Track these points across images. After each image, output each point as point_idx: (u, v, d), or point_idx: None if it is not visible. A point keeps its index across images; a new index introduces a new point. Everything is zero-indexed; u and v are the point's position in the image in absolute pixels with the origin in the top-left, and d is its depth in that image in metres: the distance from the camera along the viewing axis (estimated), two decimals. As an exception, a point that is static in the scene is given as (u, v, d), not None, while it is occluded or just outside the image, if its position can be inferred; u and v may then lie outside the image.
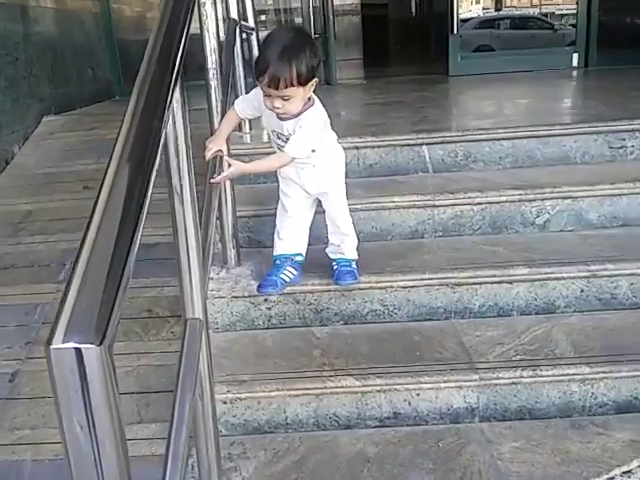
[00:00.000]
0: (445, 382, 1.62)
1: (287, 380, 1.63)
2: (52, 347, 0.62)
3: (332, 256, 1.88)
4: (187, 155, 1.23)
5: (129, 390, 1.88)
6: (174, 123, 1.20)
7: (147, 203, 0.84)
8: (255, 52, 3.26)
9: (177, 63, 1.15)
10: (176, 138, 1.20)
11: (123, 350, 2.05)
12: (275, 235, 1.89)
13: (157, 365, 1.96)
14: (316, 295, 1.88)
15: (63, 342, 0.61)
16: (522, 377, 1.63)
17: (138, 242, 0.77)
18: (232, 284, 1.89)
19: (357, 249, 1.89)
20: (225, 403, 1.63)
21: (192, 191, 1.26)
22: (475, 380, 1.62)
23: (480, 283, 1.89)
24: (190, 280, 1.29)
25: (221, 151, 1.76)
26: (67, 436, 0.65)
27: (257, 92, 1.70)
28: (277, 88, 1.56)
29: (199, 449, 1.37)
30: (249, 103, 1.76)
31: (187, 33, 1.24)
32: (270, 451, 1.58)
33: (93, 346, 0.62)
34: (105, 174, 0.86)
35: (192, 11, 1.31)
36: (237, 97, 2.58)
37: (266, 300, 1.88)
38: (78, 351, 0.62)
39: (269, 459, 1.56)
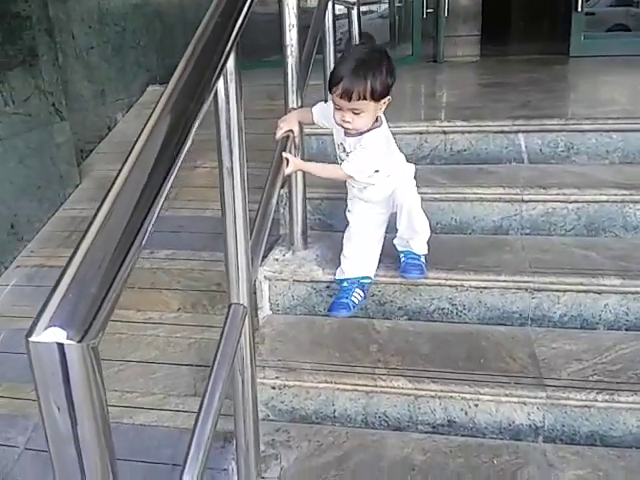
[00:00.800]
0: (507, 396, 1.48)
1: (337, 373, 1.56)
2: (31, 340, 0.59)
3: (400, 248, 1.77)
4: (240, 131, 1.19)
5: (190, 362, 1.91)
6: (227, 97, 1.15)
7: (163, 198, 0.81)
8: (355, 28, 3.16)
9: (234, 32, 1.11)
10: (228, 111, 1.16)
11: (189, 321, 2.10)
12: (341, 254, 1.78)
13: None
14: (380, 287, 1.79)
15: (43, 335, 0.59)
16: (596, 401, 1.46)
17: (143, 241, 0.73)
18: (295, 267, 1.85)
19: (428, 242, 1.77)
20: (274, 388, 1.60)
21: (242, 170, 1.22)
22: (542, 398, 1.47)
23: (564, 290, 1.72)
24: (237, 264, 1.26)
25: (292, 131, 1.71)
26: (50, 439, 0.63)
27: (328, 106, 1.67)
28: (350, 100, 1.51)
29: (238, 433, 1.36)
30: (324, 112, 1.71)
31: (250, 3, 1.19)
32: (314, 443, 1.54)
33: (74, 342, 0.59)
34: (126, 159, 0.83)
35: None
36: (325, 77, 2.53)
37: (328, 287, 1.82)
38: (60, 347, 0.59)
39: (311, 451, 1.51)
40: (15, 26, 2.53)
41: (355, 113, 1.54)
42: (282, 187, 1.72)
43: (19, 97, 2.53)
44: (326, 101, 1.76)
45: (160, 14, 4.00)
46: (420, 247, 1.75)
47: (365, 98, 1.51)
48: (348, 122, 1.56)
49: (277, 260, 1.90)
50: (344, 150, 1.67)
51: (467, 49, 6.40)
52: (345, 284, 1.74)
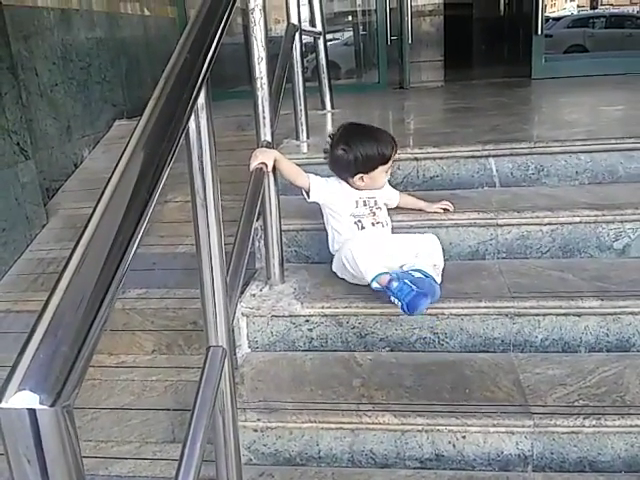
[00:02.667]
0: (495, 426, 1.46)
1: (321, 412, 1.52)
2: (0, 407, 0.56)
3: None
4: (213, 165, 1.16)
5: (166, 406, 1.84)
6: (198, 132, 1.13)
7: (135, 245, 0.77)
8: (322, 57, 3.18)
9: (204, 68, 1.09)
10: (200, 147, 1.13)
11: (165, 363, 2.03)
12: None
13: (197, 381, 1.92)
14: (360, 318, 1.76)
15: (13, 401, 0.55)
16: (584, 426, 1.44)
17: (116, 292, 0.70)
18: (273, 302, 1.81)
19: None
20: (256, 431, 1.55)
21: (217, 205, 1.18)
22: (529, 427, 1.45)
23: (544, 314, 1.71)
24: (214, 304, 1.22)
25: (266, 165, 1.70)
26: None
27: (336, 182, 1.88)
28: (390, 159, 1.85)
29: (220, 479, 1.30)
30: (328, 189, 1.86)
31: (219, 38, 1.17)
32: (300, 486, 1.49)
33: (47, 407, 0.55)
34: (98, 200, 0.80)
35: (229, 15, 1.24)
36: (296, 107, 2.53)
37: (307, 321, 1.78)
38: (32, 412, 0.55)
39: (298, 495, 1.46)
40: (-25, 65, 2.48)
41: (386, 171, 1.88)
42: (257, 219, 1.70)
43: (-19, 137, 2.47)
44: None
45: (125, 48, 3.97)
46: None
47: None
48: (383, 181, 1.90)
49: (254, 296, 1.86)
50: (369, 200, 1.87)
51: (432, 74, 6.54)
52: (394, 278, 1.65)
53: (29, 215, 2.72)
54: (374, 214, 1.87)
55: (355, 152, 1.80)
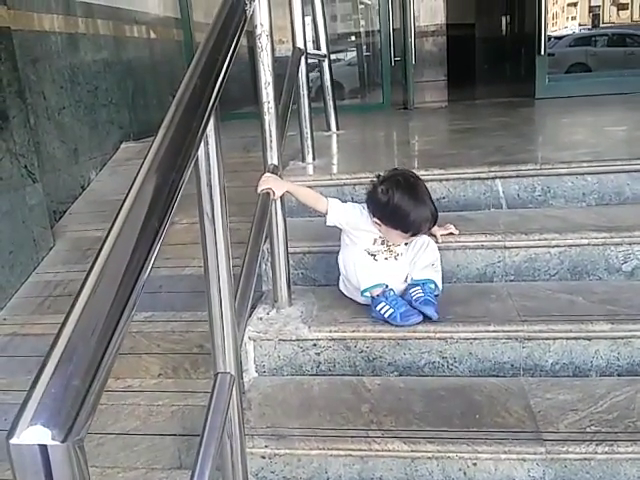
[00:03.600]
0: (506, 453, 1.44)
1: (330, 438, 1.50)
2: (12, 442, 0.55)
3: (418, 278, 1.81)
4: (221, 191, 1.16)
5: (173, 431, 1.83)
6: (207, 158, 1.13)
7: (146, 274, 0.78)
8: (327, 79, 3.20)
9: (213, 94, 1.10)
10: (209, 172, 1.14)
11: (171, 388, 2.02)
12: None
13: (203, 406, 1.90)
14: (368, 342, 1.75)
15: (24, 437, 0.55)
16: (596, 453, 1.42)
17: (127, 323, 0.70)
18: (280, 326, 1.80)
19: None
20: (264, 458, 1.53)
21: (225, 232, 1.18)
22: (541, 453, 1.43)
23: (554, 338, 1.69)
24: (222, 329, 1.21)
25: (274, 193, 1.69)
26: None
27: (359, 211, 1.79)
28: (413, 235, 1.76)
29: (228, 510, 1.28)
30: (347, 215, 1.79)
31: (227, 67, 1.18)
32: (308, 515, 1.47)
33: (58, 443, 0.54)
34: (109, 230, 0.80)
35: (237, 43, 1.25)
36: (302, 130, 2.54)
37: (315, 345, 1.77)
38: (43, 448, 0.55)
39: (306, 524, 1.44)
40: (-16, 90, 2.50)
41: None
42: (264, 242, 1.70)
43: (-11, 161, 2.49)
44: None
45: (131, 71, 4.02)
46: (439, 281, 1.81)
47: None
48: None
49: (261, 319, 1.85)
50: (383, 243, 1.80)
51: (435, 94, 6.58)
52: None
53: (36, 238, 2.73)
54: (390, 250, 1.83)
55: (389, 200, 1.70)
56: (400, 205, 1.69)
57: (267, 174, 1.76)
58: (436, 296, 1.78)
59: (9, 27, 2.69)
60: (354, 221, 1.79)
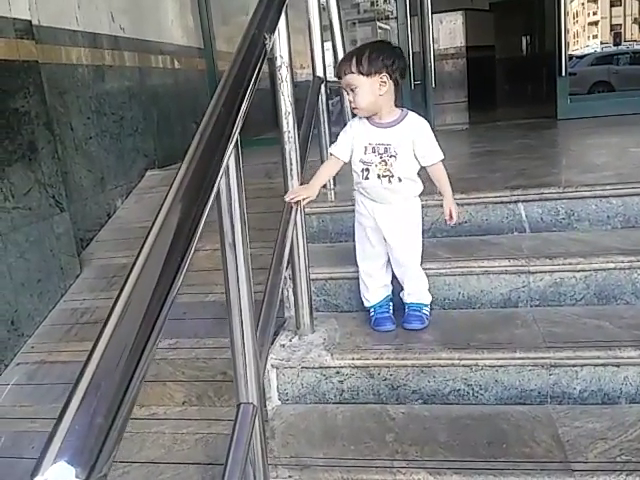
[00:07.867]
0: (534, 484, 1.40)
1: (353, 469, 1.49)
2: (37, 479, 0.56)
3: (404, 300, 1.90)
4: (242, 221, 1.18)
5: (197, 460, 1.83)
6: (228, 190, 1.15)
7: (169, 306, 0.79)
8: (347, 105, 3.23)
9: (234, 129, 1.12)
10: (230, 204, 1.16)
11: (195, 415, 2.02)
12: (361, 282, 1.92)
13: (227, 434, 1.90)
14: (392, 370, 1.73)
15: (48, 474, 0.56)
16: (629, 485, 1.38)
17: (149, 358, 0.71)
18: (303, 353, 1.80)
19: (429, 290, 1.91)
20: (288, 488, 1.52)
21: (247, 264, 1.19)
22: (571, 485, 1.39)
23: (582, 365, 1.66)
24: (244, 359, 1.22)
25: (303, 199, 1.79)
26: None
27: (348, 125, 1.83)
28: (341, 77, 1.74)
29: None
30: (344, 138, 1.81)
31: (248, 99, 1.20)
32: None
33: None
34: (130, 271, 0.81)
35: (257, 76, 1.28)
36: (322, 154, 2.57)
37: (338, 373, 1.76)
38: None
39: None
40: (14, 122, 2.58)
41: (352, 89, 1.71)
42: (286, 269, 1.71)
43: (19, 191, 2.55)
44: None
45: (156, 100, 4.11)
46: (419, 296, 1.87)
47: (352, 72, 1.69)
48: (351, 102, 1.74)
49: (284, 346, 1.86)
50: (378, 147, 1.74)
51: (456, 117, 6.58)
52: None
53: (63, 266, 2.78)
54: (384, 162, 1.74)
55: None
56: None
57: (297, 187, 1.84)
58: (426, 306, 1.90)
59: (37, 61, 2.78)
60: (353, 137, 1.79)
